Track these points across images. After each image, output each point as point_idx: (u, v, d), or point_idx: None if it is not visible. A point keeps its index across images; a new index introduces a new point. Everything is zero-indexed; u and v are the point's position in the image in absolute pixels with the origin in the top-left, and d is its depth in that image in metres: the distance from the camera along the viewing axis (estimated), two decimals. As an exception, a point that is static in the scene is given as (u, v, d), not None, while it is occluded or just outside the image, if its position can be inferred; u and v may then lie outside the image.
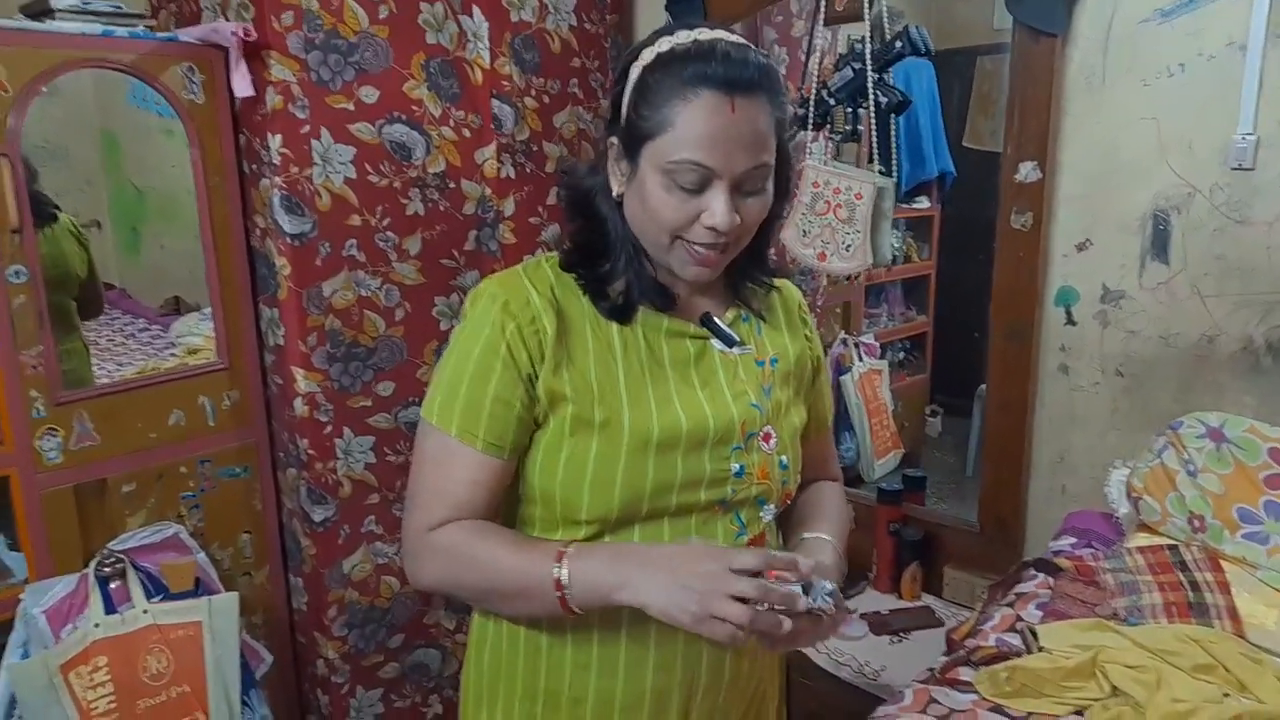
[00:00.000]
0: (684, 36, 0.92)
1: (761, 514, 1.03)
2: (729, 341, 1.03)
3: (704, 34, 0.92)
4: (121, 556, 1.76)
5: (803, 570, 0.87)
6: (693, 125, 0.88)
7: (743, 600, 0.82)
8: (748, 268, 1.06)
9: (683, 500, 0.97)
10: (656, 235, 0.94)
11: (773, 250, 1.11)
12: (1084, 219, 1.70)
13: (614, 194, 0.98)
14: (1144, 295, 1.65)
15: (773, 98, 0.92)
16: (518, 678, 1.03)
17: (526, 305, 0.95)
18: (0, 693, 1.64)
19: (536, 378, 0.95)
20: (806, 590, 0.86)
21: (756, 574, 0.84)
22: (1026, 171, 1.72)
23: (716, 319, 1.04)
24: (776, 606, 0.84)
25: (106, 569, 1.73)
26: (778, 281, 1.14)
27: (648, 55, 0.93)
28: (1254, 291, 1.53)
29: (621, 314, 0.98)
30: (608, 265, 0.99)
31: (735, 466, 0.99)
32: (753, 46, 0.93)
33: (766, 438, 1.02)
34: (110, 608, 1.71)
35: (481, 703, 1.07)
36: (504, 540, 0.95)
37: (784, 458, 1.04)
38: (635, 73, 0.93)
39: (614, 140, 0.97)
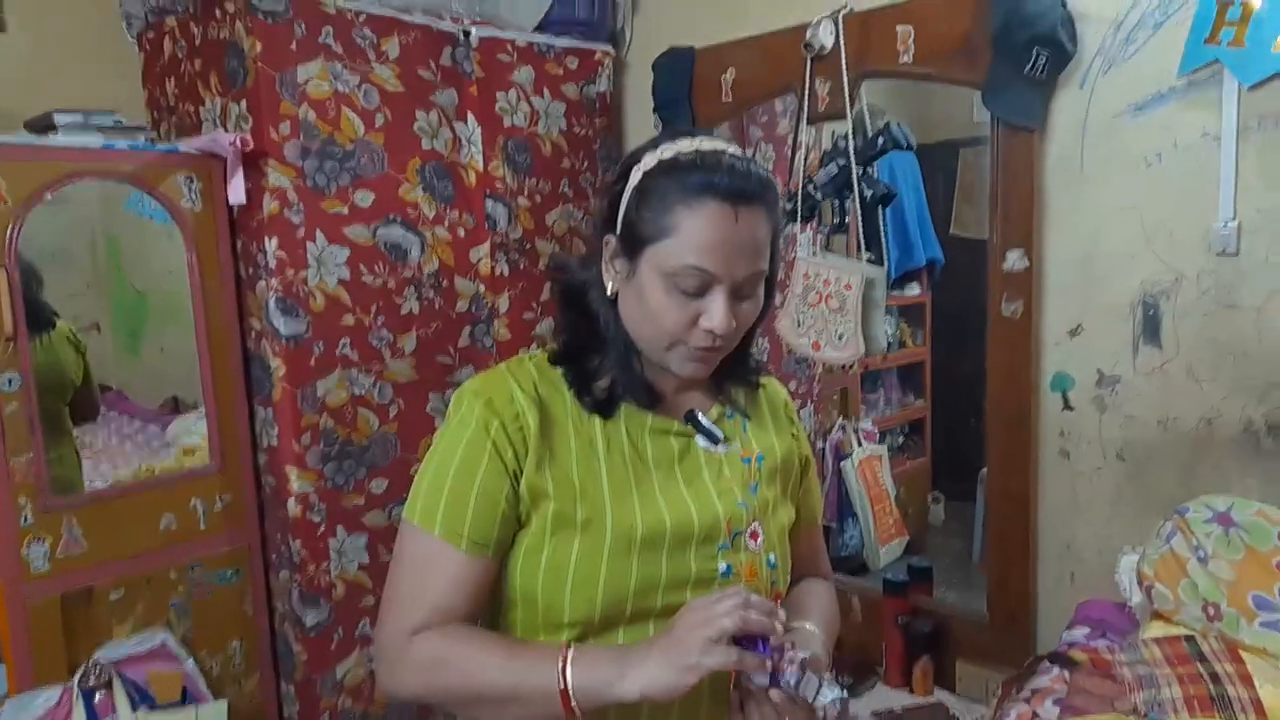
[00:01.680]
0: (687, 145, 0.95)
1: None
2: (714, 439, 1.03)
3: (706, 143, 0.95)
4: (107, 667, 1.71)
5: (779, 623, 0.87)
6: (697, 233, 0.91)
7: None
8: (733, 366, 1.06)
9: (668, 601, 0.95)
10: (655, 336, 0.96)
11: (761, 346, 1.12)
12: (1074, 306, 1.71)
13: (608, 291, 0.99)
14: (1139, 380, 1.65)
15: (770, 209, 0.96)
16: None
17: (510, 402, 0.96)
18: (-26, 818, 1.58)
19: (521, 474, 0.94)
20: (819, 687, 0.86)
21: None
22: (1014, 260, 1.74)
23: (701, 416, 1.04)
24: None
25: (91, 680, 1.68)
26: (764, 380, 1.14)
27: (649, 160, 0.95)
28: (1249, 375, 1.53)
29: (605, 408, 0.99)
30: (598, 360, 1.00)
31: (722, 565, 0.98)
32: (753, 160, 0.96)
33: (754, 535, 1.02)
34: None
35: None
36: (493, 644, 0.93)
37: (772, 555, 1.03)
38: (637, 176, 0.96)
39: (610, 239, 0.98)
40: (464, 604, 0.94)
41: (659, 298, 0.93)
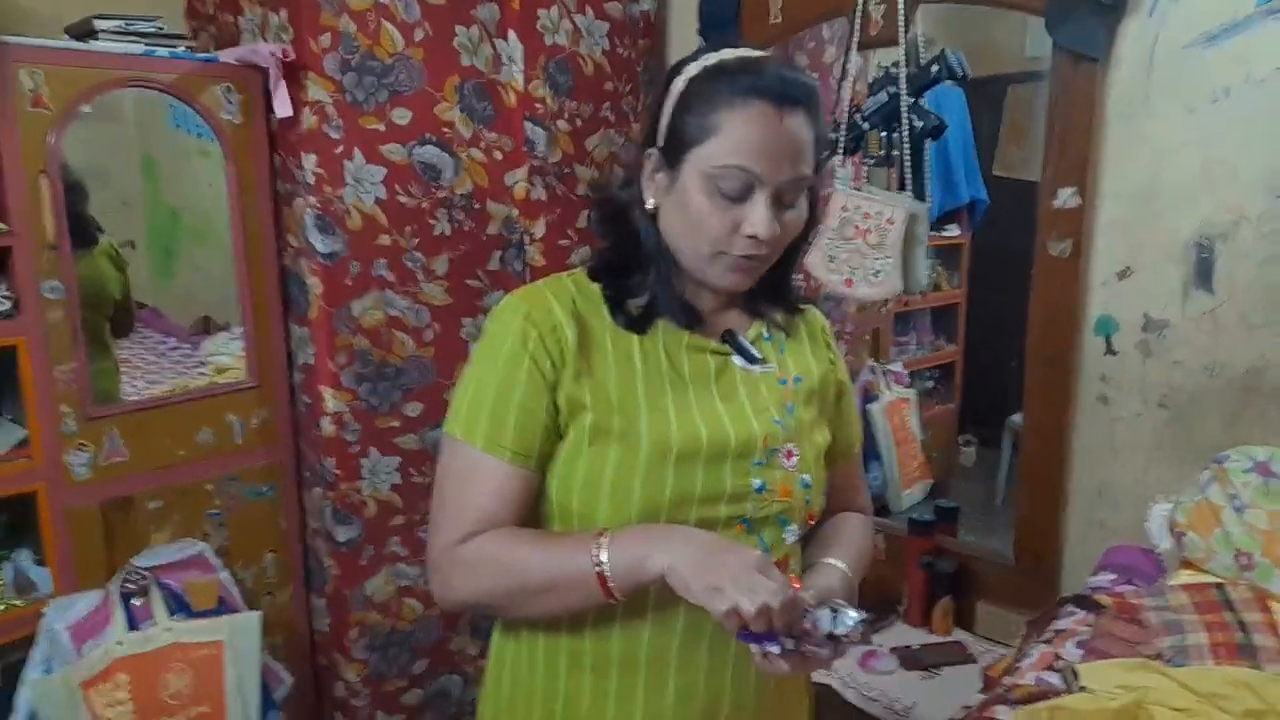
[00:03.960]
0: (731, 54, 0.95)
1: (784, 535, 1.01)
2: (751, 358, 1.03)
3: (752, 53, 0.96)
4: (146, 574, 1.75)
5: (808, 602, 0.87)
6: (741, 132, 0.90)
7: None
8: (771, 290, 1.06)
9: (702, 515, 0.95)
10: (696, 245, 0.95)
11: (799, 276, 1.11)
12: (1124, 247, 1.67)
13: (649, 207, 0.99)
14: (1188, 325, 1.61)
15: (815, 116, 0.94)
16: (536, 702, 1.01)
17: (548, 314, 0.96)
18: (21, 708, 1.64)
19: (559, 385, 0.95)
20: (835, 614, 0.86)
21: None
22: (1065, 198, 1.69)
23: (739, 335, 1.04)
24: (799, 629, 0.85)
25: (131, 586, 1.73)
26: (804, 307, 1.13)
27: (693, 69, 0.95)
28: (1302, 322, 1.49)
29: (639, 324, 0.99)
30: (638, 278, 1.00)
31: (756, 482, 0.98)
32: (798, 66, 0.94)
33: (789, 455, 1.01)
34: (133, 625, 1.71)
35: None
36: (535, 538, 0.95)
37: (806, 476, 1.03)
38: (680, 85, 0.96)
39: (652, 153, 0.98)
40: (510, 514, 0.95)
41: (701, 202, 0.93)
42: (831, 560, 1.05)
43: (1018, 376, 1.84)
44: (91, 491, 1.75)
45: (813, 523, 1.07)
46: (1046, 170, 1.71)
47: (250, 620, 1.83)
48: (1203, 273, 1.59)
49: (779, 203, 0.93)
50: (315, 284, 1.88)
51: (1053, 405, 1.77)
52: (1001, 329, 2.01)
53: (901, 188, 1.95)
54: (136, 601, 1.73)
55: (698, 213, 0.93)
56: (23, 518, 1.76)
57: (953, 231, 2.60)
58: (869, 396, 2.46)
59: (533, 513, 0.99)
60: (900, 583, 2.02)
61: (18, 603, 1.72)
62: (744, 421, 0.99)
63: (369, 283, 1.94)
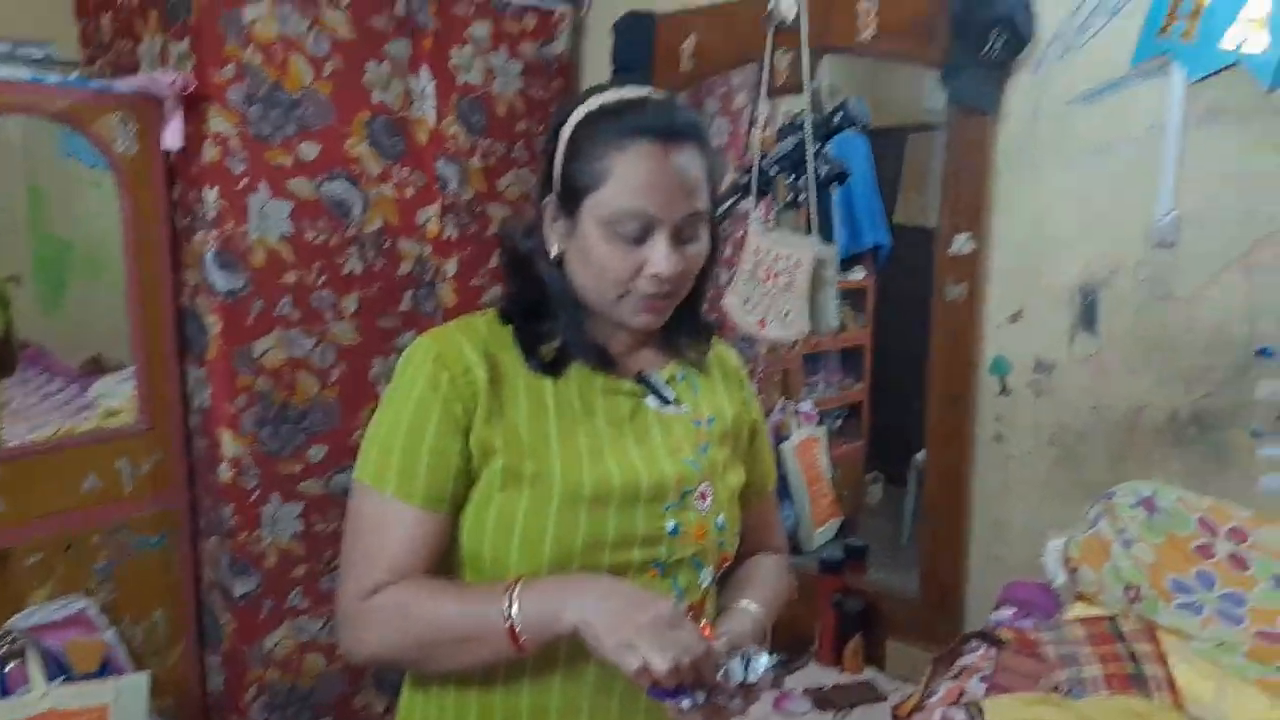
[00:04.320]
0: (612, 95, 0.96)
1: (700, 578, 1.01)
2: (664, 399, 1.03)
3: (630, 91, 0.96)
4: (20, 636, 1.64)
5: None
6: (630, 174, 0.91)
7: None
8: (683, 323, 1.06)
9: (616, 559, 0.95)
10: (602, 289, 0.95)
11: (707, 308, 1.12)
12: (1017, 290, 1.75)
13: (552, 255, 0.99)
14: (1075, 367, 1.70)
15: (702, 146, 0.95)
16: None
17: (460, 356, 0.95)
18: (-128, 786, 1.50)
19: (471, 428, 0.94)
20: (747, 663, 0.86)
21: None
22: (961, 243, 1.77)
23: (653, 376, 1.04)
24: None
25: (4, 649, 1.61)
26: (716, 343, 1.14)
27: (578, 114, 0.96)
28: (1177, 366, 1.58)
29: (553, 369, 0.98)
30: (547, 325, 1.00)
31: (670, 524, 0.98)
32: (678, 100, 0.97)
33: (702, 496, 1.01)
34: (6, 691, 1.59)
35: None
36: (445, 589, 0.93)
37: (720, 517, 1.03)
38: (567, 132, 0.96)
39: (549, 200, 0.98)
40: (421, 563, 0.93)
41: (602, 249, 0.93)
42: (744, 603, 1.05)
43: (921, 416, 1.90)
44: (-39, 546, 1.63)
45: (726, 564, 1.07)
46: (943, 217, 1.79)
47: (137, 682, 1.72)
48: (1087, 317, 1.67)
49: (678, 239, 0.94)
50: (214, 322, 1.81)
51: (952, 444, 1.83)
52: (906, 369, 2.07)
53: (809, 231, 2.01)
54: (10, 666, 1.61)
55: (600, 258, 0.93)
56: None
57: (859, 275, 2.68)
58: (780, 436, 2.49)
59: (444, 559, 0.97)
60: (812, 622, 2.04)
61: (-128, 668, 1.58)
62: (657, 463, 0.98)
63: (272, 322, 1.88)
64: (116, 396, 1.94)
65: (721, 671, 0.86)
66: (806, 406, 2.59)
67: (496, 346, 0.98)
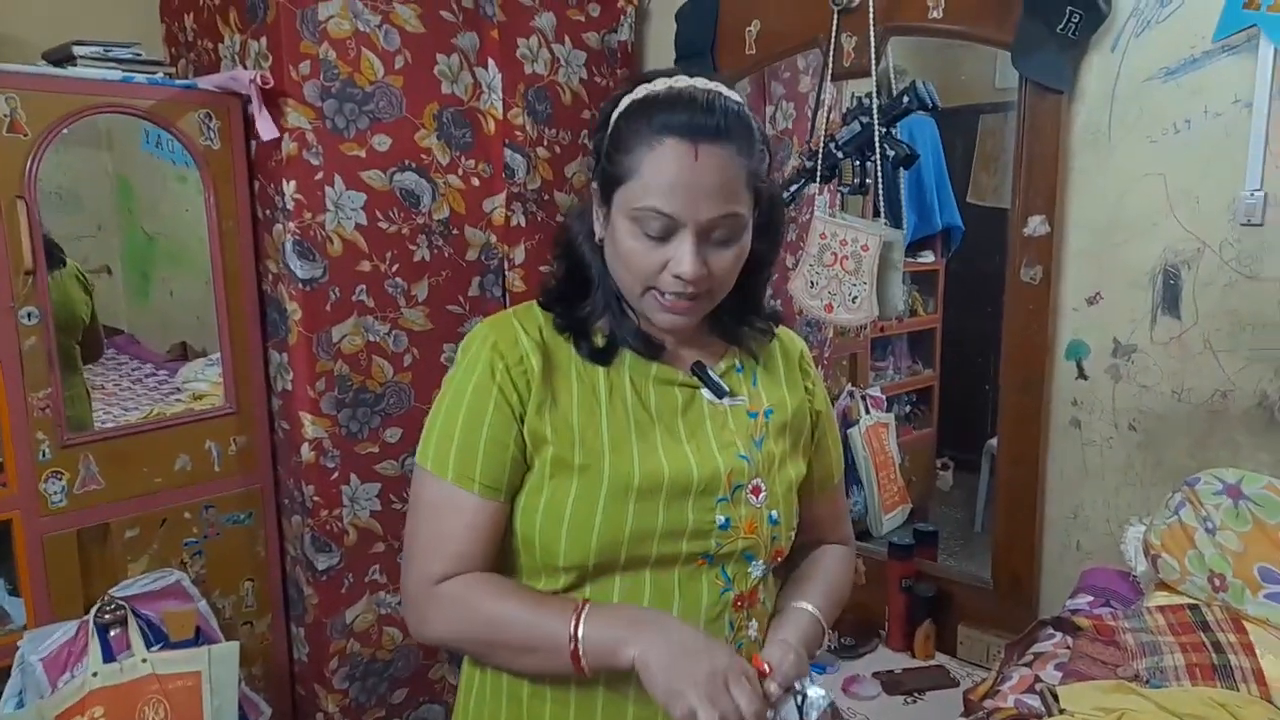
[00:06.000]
0: (660, 84, 0.92)
1: (750, 570, 1.00)
2: (719, 392, 1.01)
3: (680, 81, 0.92)
4: (122, 604, 1.73)
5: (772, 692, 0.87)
6: (656, 173, 0.89)
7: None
8: (741, 315, 1.05)
9: (663, 551, 0.95)
10: (629, 282, 0.95)
11: (774, 299, 1.10)
12: (1094, 273, 1.71)
13: (596, 238, 0.98)
14: (1155, 350, 1.65)
15: (743, 145, 0.91)
16: None
17: (515, 345, 0.95)
18: (-9, 744, 1.61)
19: (525, 417, 0.94)
20: (802, 701, 0.86)
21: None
22: (1035, 225, 1.73)
23: (708, 368, 1.02)
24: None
25: (107, 616, 1.70)
26: (780, 331, 1.12)
27: (624, 103, 0.94)
28: (1267, 347, 1.53)
29: (602, 356, 0.98)
30: (588, 308, 0.99)
31: (721, 519, 0.97)
32: (727, 93, 0.92)
33: (755, 491, 1.00)
34: (109, 656, 1.68)
35: None
36: (515, 594, 0.94)
37: (774, 512, 1.01)
38: (613, 119, 0.94)
39: (594, 185, 0.97)
40: (483, 549, 0.95)
41: (629, 242, 0.91)
42: (802, 604, 1.04)
43: (993, 401, 1.87)
44: (67, 520, 1.72)
45: (781, 557, 1.05)
46: (1016, 198, 1.75)
47: (229, 650, 1.80)
48: (1169, 299, 1.63)
49: (706, 240, 0.91)
50: (294, 309, 1.88)
51: (1027, 429, 1.80)
52: (977, 354, 2.04)
53: (876, 215, 1.98)
54: (113, 632, 1.71)
55: (626, 252, 0.92)
56: (-4, 547, 1.74)
57: (928, 258, 2.64)
58: (848, 422, 2.48)
59: (502, 546, 0.99)
60: (881, 607, 2.03)
61: (-11, 635, 1.69)
62: (709, 457, 0.97)
63: (349, 308, 1.94)
64: (203, 381, 2.02)
65: (776, 717, 0.87)
66: (875, 391, 2.57)
67: (551, 335, 0.98)
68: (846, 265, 1.95)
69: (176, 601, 1.81)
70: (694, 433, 0.99)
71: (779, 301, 2.22)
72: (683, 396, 1.00)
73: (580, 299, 1.00)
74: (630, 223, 0.91)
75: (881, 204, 2.00)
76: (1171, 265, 1.61)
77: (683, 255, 0.89)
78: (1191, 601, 1.42)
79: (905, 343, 2.81)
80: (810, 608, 1.04)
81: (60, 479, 1.71)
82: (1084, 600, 1.60)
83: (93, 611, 1.70)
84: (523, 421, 0.94)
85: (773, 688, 0.88)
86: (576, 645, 0.88)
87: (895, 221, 1.98)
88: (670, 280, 0.91)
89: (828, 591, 1.08)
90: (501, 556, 1.00)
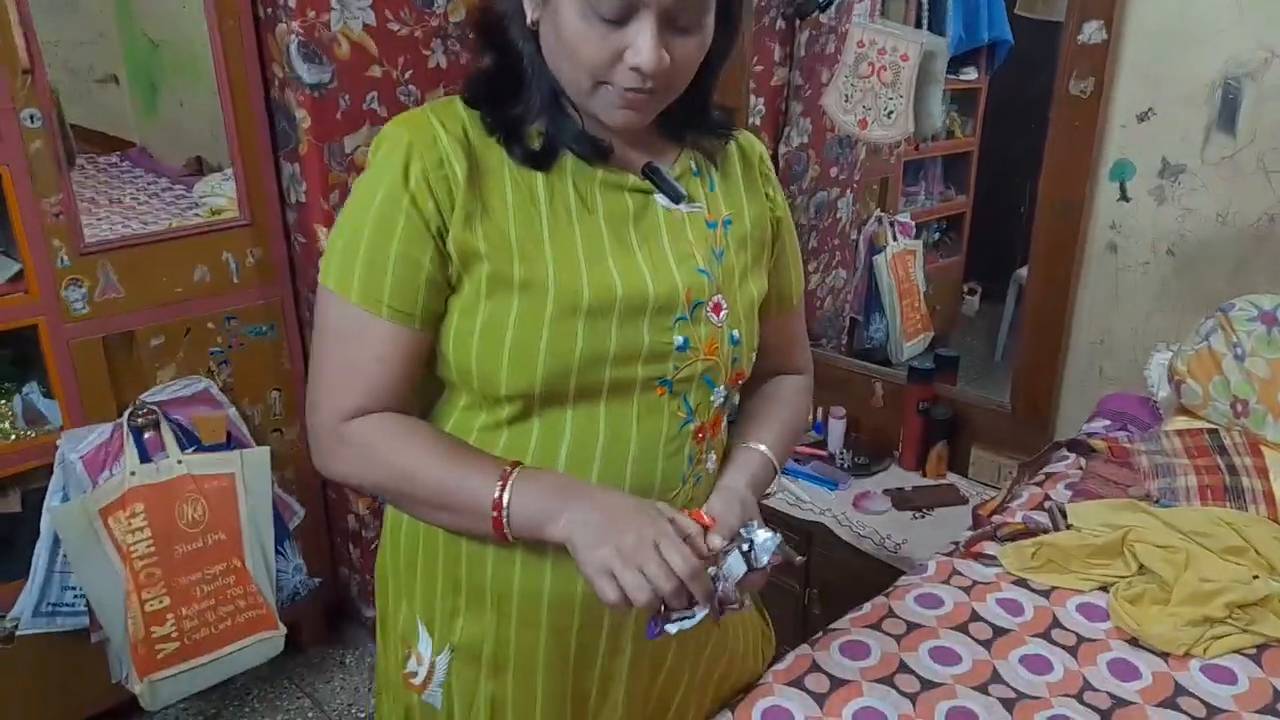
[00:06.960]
0: None
1: (711, 396, 0.92)
2: (676, 196, 0.90)
3: None
4: (154, 408, 1.78)
5: (714, 547, 0.81)
6: None
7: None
8: (692, 113, 0.91)
9: (617, 375, 0.85)
10: (574, 76, 0.80)
11: (802, 126, 1.00)
12: (1148, 86, 1.59)
13: (528, 20, 0.82)
14: (1205, 170, 1.57)
15: None
16: (438, 567, 0.93)
17: (433, 146, 0.82)
18: (44, 533, 1.70)
19: (446, 230, 0.82)
20: (749, 548, 0.81)
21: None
22: (1090, 32, 1.60)
23: (662, 168, 0.90)
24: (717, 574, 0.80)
25: (140, 419, 1.76)
26: (738, 133, 0.99)
27: None
28: (1325, 168, 1.45)
29: (539, 161, 0.85)
30: (520, 107, 0.85)
31: (679, 339, 0.87)
32: None
33: (716, 308, 0.90)
34: (145, 457, 1.74)
35: (400, 593, 0.98)
36: (434, 445, 0.85)
37: (736, 332, 0.92)
38: None
39: None
40: (396, 384, 0.85)
41: (575, 25, 0.76)
42: (752, 444, 0.98)
43: (1026, 229, 1.80)
44: (91, 327, 1.74)
45: (742, 381, 0.97)
46: (1072, 2, 1.61)
47: (260, 455, 1.87)
48: (1227, 115, 1.52)
49: (670, 25, 0.77)
50: (304, 117, 1.81)
51: (1061, 254, 1.74)
52: (1015, 179, 1.95)
53: (918, 24, 1.85)
54: (147, 435, 1.76)
55: (574, 37, 0.77)
56: (27, 352, 1.77)
57: (970, 76, 2.48)
58: (875, 248, 2.43)
59: (434, 378, 0.91)
60: (897, 429, 2.05)
61: (30, 433, 1.75)
62: (665, 271, 0.87)
63: (360, 117, 1.86)
64: (221, 195, 1.98)
65: (719, 573, 0.80)
66: (904, 218, 2.49)
67: (478, 134, 0.84)
68: (884, 76, 1.84)
69: (206, 407, 1.86)
70: (648, 243, 0.88)
71: (809, 120, 2.11)
72: (634, 203, 0.88)
73: (512, 96, 0.85)
74: (578, 1, 0.76)
75: (925, 11, 1.86)
76: (1233, 78, 1.50)
77: (643, 44, 0.76)
78: (1210, 426, 1.42)
79: (939, 166, 2.70)
80: (762, 448, 0.97)
81: (80, 286, 1.71)
82: (1100, 424, 1.60)
83: (126, 415, 1.75)
84: (444, 236, 0.82)
85: (716, 541, 0.82)
86: (501, 514, 0.81)
87: (938, 31, 1.85)
88: (627, 73, 0.78)
89: (781, 429, 1.01)
90: (435, 391, 0.93)
